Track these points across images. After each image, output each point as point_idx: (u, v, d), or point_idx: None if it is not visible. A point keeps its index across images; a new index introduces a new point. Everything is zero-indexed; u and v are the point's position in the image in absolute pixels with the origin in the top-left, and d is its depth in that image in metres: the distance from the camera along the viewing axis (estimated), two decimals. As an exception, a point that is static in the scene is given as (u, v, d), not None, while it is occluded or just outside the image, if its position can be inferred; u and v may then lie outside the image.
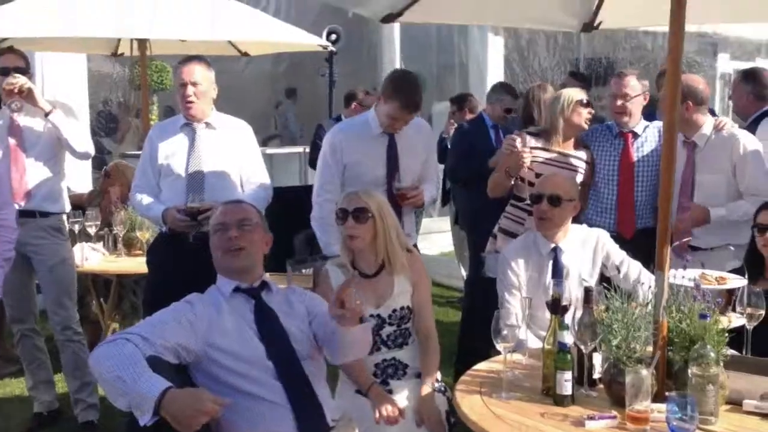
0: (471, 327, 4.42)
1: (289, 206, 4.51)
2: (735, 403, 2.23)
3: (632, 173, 3.74)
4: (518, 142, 3.62)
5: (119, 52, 5.37)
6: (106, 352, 2.20)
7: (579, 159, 3.74)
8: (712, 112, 3.93)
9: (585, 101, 3.71)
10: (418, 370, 2.95)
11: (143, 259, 4.57)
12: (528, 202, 3.59)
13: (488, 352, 3.24)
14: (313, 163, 6.58)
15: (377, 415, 2.68)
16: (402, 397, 2.82)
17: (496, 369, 2.66)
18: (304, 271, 5.94)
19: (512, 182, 3.73)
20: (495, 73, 10.17)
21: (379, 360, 2.92)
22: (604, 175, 3.77)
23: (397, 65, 9.22)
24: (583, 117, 3.70)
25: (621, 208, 3.73)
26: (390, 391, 2.83)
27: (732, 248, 3.39)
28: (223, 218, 2.57)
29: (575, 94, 3.75)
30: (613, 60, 9.93)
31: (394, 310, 2.93)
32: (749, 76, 4.24)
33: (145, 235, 4.65)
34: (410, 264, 2.99)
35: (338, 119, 6.51)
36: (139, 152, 8.81)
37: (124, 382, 2.09)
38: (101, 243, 4.78)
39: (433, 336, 2.98)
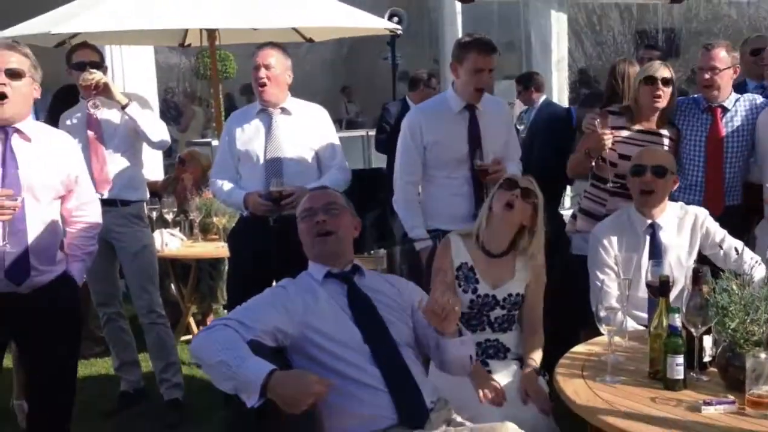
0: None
1: (356, 189, 4.52)
2: None
3: (721, 149, 3.57)
4: (598, 123, 3.48)
5: (187, 42, 5.40)
6: (207, 338, 2.22)
7: (663, 136, 3.57)
8: None
9: (656, 77, 3.47)
10: (519, 355, 2.92)
11: (220, 243, 4.70)
12: (611, 184, 3.48)
13: (579, 333, 3.19)
14: (378, 146, 6.55)
15: (481, 394, 2.63)
16: (502, 377, 2.79)
17: (595, 352, 2.58)
18: (373, 252, 6.00)
19: (593, 163, 3.61)
20: (559, 48, 9.93)
21: (482, 339, 2.90)
22: (690, 150, 3.61)
23: (459, 43, 9.09)
24: (648, 95, 3.48)
25: (709, 185, 3.58)
26: (489, 371, 2.80)
27: None
28: (310, 203, 2.58)
29: (651, 69, 3.53)
30: (693, 30, 9.51)
31: (510, 294, 2.90)
32: None
33: (222, 221, 4.74)
34: (533, 258, 2.95)
35: (404, 102, 6.46)
36: (203, 140, 8.92)
37: (228, 367, 2.10)
38: (177, 228, 4.88)
39: (540, 327, 2.95)
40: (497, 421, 2.40)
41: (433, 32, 9.88)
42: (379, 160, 7.33)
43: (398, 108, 6.41)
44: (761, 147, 3.55)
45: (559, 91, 9.46)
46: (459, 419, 2.44)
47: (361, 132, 9.53)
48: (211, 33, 4.66)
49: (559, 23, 9.92)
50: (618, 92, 4.04)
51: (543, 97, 6.61)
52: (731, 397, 2.10)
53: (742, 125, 3.59)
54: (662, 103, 3.50)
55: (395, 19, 7.77)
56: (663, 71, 3.50)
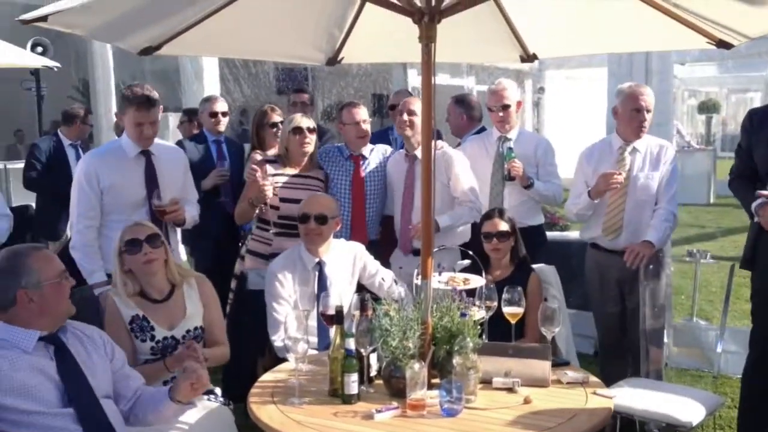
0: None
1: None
2: (486, 382, 2.72)
3: (363, 191, 4.18)
4: (258, 174, 3.81)
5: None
6: None
7: (315, 179, 4.04)
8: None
9: (302, 128, 3.93)
10: (208, 388, 3.04)
11: None
12: (273, 230, 3.84)
13: (257, 361, 3.48)
14: (29, 184, 6.13)
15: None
16: (190, 415, 2.85)
17: (282, 378, 2.88)
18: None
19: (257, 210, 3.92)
20: (210, 83, 10.21)
21: (168, 378, 2.99)
22: (337, 192, 4.11)
23: (112, 75, 8.86)
24: (298, 143, 3.95)
25: (355, 222, 4.13)
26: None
27: (456, 248, 3.96)
28: None
29: (296, 121, 3.99)
30: (334, 70, 10.34)
31: (188, 331, 3.03)
32: (460, 100, 5.01)
33: None
34: (200, 285, 3.13)
35: (56, 137, 6.16)
36: None
37: None
38: None
39: (225, 338, 3.16)
40: None
41: (81, 61, 9.45)
42: (23, 196, 6.85)
43: (49, 144, 6.11)
44: (390, 188, 4.24)
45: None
46: None
47: (-2, 164, 8.70)
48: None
49: (210, 60, 10.20)
50: (263, 137, 4.47)
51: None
52: (395, 404, 2.55)
53: (376, 170, 4.23)
54: (310, 148, 3.98)
55: (39, 48, 7.32)
56: (307, 122, 3.98)
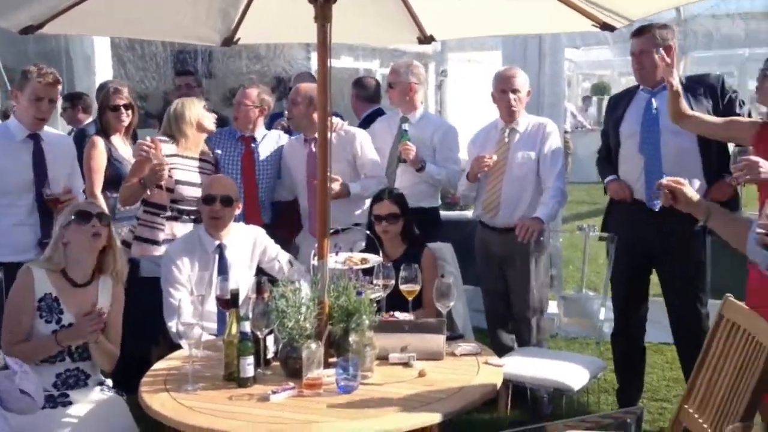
0: None
1: None
2: (383, 358, 2.75)
3: (254, 172, 4.15)
4: (153, 152, 3.68)
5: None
6: None
7: (208, 162, 3.99)
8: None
9: (207, 107, 3.98)
10: (100, 380, 2.99)
11: None
12: (169, 212, 3.74)
13: (151, 351, 3.41)
14: None
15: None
16: (83, 407, 2.83)
17: (175, 365, 2.82)
18: None
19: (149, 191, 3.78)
20: (102, 65, 9.77)
21: (62, 370, 2.90)
22: (229, 173, 4.04)
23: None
24: (210, 121, 3.95)
25: (248, 204, 4.04)
26: (70, 402, 2.83)
27: (359, 228, 3.98)
28: None
29: (198, 103, 3.96)
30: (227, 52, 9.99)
31: None
32: (355, 82, 5.03)
33: None
34: (114, 282, 3.05)
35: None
36: None
37: None
38: None
39: (118, 341, 3.05)
40: None
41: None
42: None
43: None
44: (289, 175, 4.23)
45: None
46: None
47: None
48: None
49: (101, 39, 9.74)
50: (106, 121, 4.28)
51: (90, 119, 6.56)
52: (292, 384, 2.55)
53: (270, 153, 4.21)
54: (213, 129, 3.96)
55: None
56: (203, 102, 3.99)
